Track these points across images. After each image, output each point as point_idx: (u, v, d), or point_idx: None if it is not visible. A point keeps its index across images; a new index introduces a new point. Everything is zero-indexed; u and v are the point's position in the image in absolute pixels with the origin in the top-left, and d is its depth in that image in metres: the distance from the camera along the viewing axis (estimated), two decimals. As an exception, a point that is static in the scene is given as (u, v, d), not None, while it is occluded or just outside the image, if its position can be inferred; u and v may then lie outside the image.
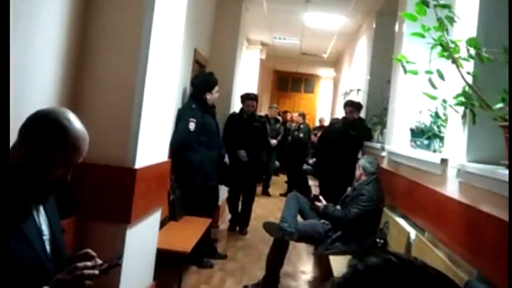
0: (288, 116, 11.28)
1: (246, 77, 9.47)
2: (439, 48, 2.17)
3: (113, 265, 1.66)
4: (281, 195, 8.83)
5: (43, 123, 1.54)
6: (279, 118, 9.89)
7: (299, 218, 4.27)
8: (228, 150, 5.15)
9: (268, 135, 7.47)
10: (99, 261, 1.61)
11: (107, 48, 2.62)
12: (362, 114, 5.74)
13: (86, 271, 1.52)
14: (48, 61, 2.31)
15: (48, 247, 1.58)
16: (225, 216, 6.34)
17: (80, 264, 1.53)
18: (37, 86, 2.21)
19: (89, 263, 1.55)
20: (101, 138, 2.50)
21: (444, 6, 2.15)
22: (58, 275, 1.51)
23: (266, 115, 9.36)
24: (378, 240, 3.68)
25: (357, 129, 5.50)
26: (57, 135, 1.53)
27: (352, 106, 5.59)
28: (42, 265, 1.52)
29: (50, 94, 2.35)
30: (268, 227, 4.13)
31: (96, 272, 1.55)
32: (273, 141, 8.82)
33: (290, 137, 9.79)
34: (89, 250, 1.63)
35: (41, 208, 1.60)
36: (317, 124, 11.74)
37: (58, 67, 2.41)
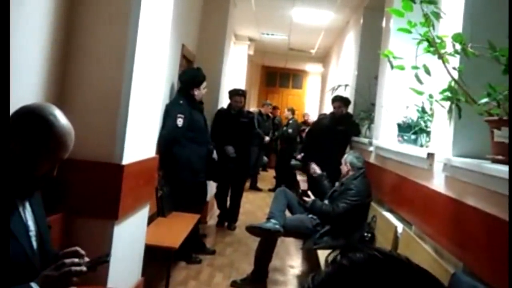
0: (278, 112, 11.30)
1: (234, 72, 9.47)
2: (425, 44, 2.19)
3: (101, 262, 1.66)
4: (269, 190, 8.86)
5: (29, 119, 1.53)
6: (270, 115, 9.94)
7: (287, 213, 4.29)
8: (216, 146, 5.15)
9: (257, 130, 7.51)
10: (87, 259, 1.60)
11: (93, 43, 2.59)
12: (350, 109, 5.76)
13: (74, 268, 1.51)
14: (33, 57, 2.28)
15: (34, 243, 1.57)
16: (214, 212, 6.34)
17: (68, 261, 1.52)
18: (22, 81, 2.19)
19: (76, 260, 1.55)
20: (88, 134, 2.48)
21: (430, 2, 2.16)
22: (45, 271, 1.50)
23: (260, 111, 9.43)
24: (365, 234, 3.71)
25: (345, 124, 5.52)
26: (43, 131, 1.52)
27: (340, 101, 5.61)
28: (28, 261, 1.51)
29: (35, 90, 2.33)
30: (252, 230, 4.12)
31: (84, 269, 1.55)
32: (267, 138, 8.87)
33: (277, 132, 9.83)
34: (78, 248, 1.63)
35: (27, 204, 1.59)
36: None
37: (44, 62, 2.38)
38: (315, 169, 4.75)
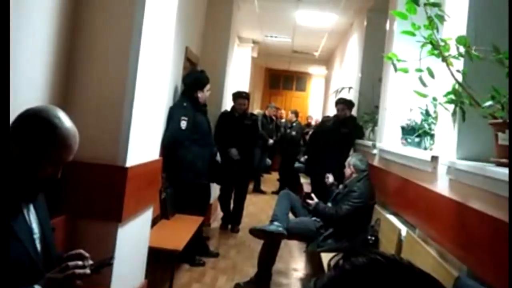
0: (279, 113, 11.33)
1: (237, 75, 9.47)
2: (429, 46, 2.18)
3: (105, 265, 1.66)
4: (273, 192, 8.85)
5: (33, 122, 1.53)
6: (274, 117, 9.96)
7: (291, 216, 4.29)
8: (220, 148, 5.15)
9: (260, 132, 7.52)
10: (90, 261, 1.60)
11: (98, 45, 2.60)
12: (354, 112, 5.75)
13: (78, 270, 1.51)
14: (37, 59, 2.29)
15: (38, 246, 1.58)
16: (217, 214, 6.34)
17: (72, 263, 1.53)
18: (26, 84, 2.20)
19: (80, 263, 1.55)
20: (92, 136, 2.48)
21: (434, 5, 2.16)
22: (49, 274, 1.51)
23: (264, 114, 9.48)
24: (369, 237, 3.70)
25: (348, 126, 5.51)
26: (47, 133, 1.53)
27: (343, 103, 5.61)
28: (32, 264, 1.51)
29: (40, 92, 2.33)
30: (255, 233, 4.12)
31: (88, 271, 1.55)
32: (271, 141, 8.89)
33: (279, 134, 9.84)
34: (82, 251, 1.63)
35: (31, 207, 1.60)
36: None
37: (48, 65, 2.39)
38: (329, 177, 4.78)
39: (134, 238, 2.91)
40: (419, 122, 3.50)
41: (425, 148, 3.39)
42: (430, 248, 2.63)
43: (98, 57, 2.60)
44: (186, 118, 4.42)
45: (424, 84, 2.24)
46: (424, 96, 2.37)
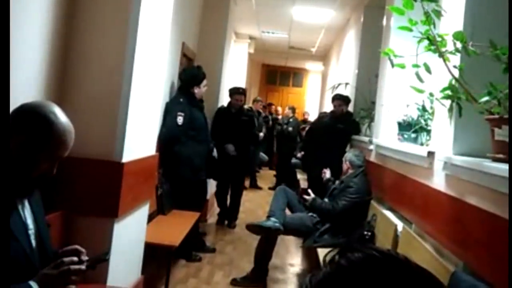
0: (273, 108, 11.30)
1: (234, 71, 9.45)
2: (426, 42, 2.18)
3: (100, 261, 1.65)
4: (269, 188, 8.86)
5: (28, 117, 1.52)
6: (261, 111, 9.87)
7: (287, 212, 4.29)
8: (216, 144, 5.15)
9: (256, 129, 7.50)
10: (86, 257, 1.60)
11: (94, 41, 2.59)
12: (350, 107, 5.75)
13: (73, 267, 1.51)
14: (33, 54, 2.28)
15: (33, 242, 1.57)
16: (214, 210, 6.34)
17: (67, 259, 1.52)
18: (22, 79, 2.18)
19: (75, 258, 1.54)
20: (88, 132, 2.48)
21: (431, 0, 2.15)
22: (44, 270, 1.50)
23: (251, 108, 9.43)
24: (365, 232, 3.71)
25: (345, 122, 5.51)
26: (43, 129, 1.52)
27: (340, 99, 5.60)
28: (27, 260, 1.50)
29: (35, 88, 2.32)
30: (252, 228, 4.13)
31: (83, 267, 1.54)
32: (261, 134, 8.87)
33: (275, 130, 9.80)
34: (78, 246, 1.62)
35: (26, 202, 1.59)
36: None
37: (44, 60, 2.37)
38: (326, 173, 4.80)
39: (130, 234, 2.90)
40: (415, 117, 3.50)
41: (422, 144, 3.39)
42: (426, 243, 2.64)
43: (94, 52, 2.59)
44: (182, 114, 4.41)
45: (420, 80, 2.24)
46: (421, 91, 2.37)
